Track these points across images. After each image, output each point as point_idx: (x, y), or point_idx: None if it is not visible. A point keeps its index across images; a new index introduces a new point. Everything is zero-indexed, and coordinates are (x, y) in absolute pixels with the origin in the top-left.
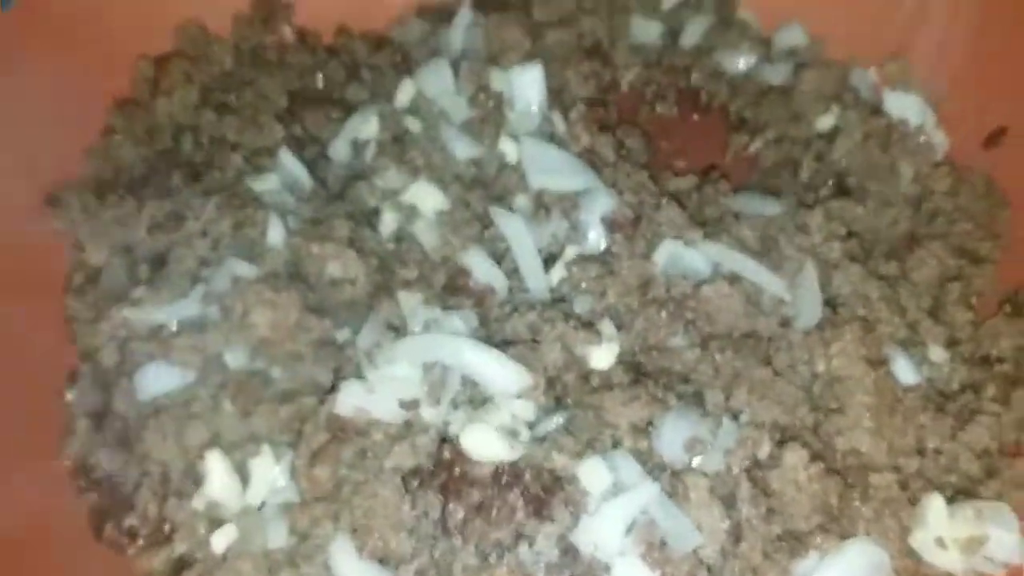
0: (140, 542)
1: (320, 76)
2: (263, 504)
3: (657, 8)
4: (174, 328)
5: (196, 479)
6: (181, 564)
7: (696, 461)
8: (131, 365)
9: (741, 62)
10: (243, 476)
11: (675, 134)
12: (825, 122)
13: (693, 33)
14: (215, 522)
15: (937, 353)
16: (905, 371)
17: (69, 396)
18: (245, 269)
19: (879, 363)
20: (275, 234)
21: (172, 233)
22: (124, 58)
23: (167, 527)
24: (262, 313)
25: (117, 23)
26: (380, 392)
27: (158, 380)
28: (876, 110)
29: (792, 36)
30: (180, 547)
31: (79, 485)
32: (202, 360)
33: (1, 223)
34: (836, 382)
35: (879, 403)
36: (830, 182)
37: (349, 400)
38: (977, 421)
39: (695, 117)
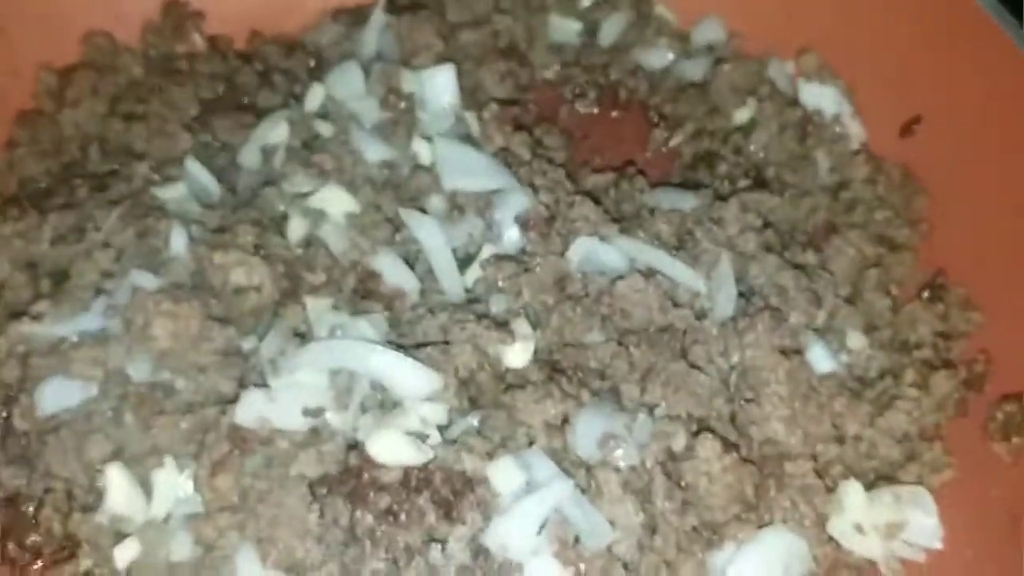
0: (43, 560)
1: (232, 83)
2: (168, 516)
3: (574, 6)
4: (75, 341)
5: (100, 494)
6: None
7: (611, 456)
8: (31, 381)
9: (659, 58)
10: (147, 489)
11: (595, 131)
12: (742, 115)
13: (611, 31)
14: (119, 536)
15: (856, 340)
16: (820, 359)
17: None
18: (147, 280)
19: (793, 352)
20: (178, 243)
21: (74, 245)
22: (28, 70)
23: (71, 543)
24: (162, 324)
25: (21, 35)
26: (282, 400)
27: (58, 395)
28: (792, 102)
29: (710, 31)
30: (85, 563)
31: None
32: (104, 373)
33: None
34: (750, 372)
35: (792, 391)
36: (749, 174)
37: (250, 409)
38: (896, 406)
39: (615, 114)
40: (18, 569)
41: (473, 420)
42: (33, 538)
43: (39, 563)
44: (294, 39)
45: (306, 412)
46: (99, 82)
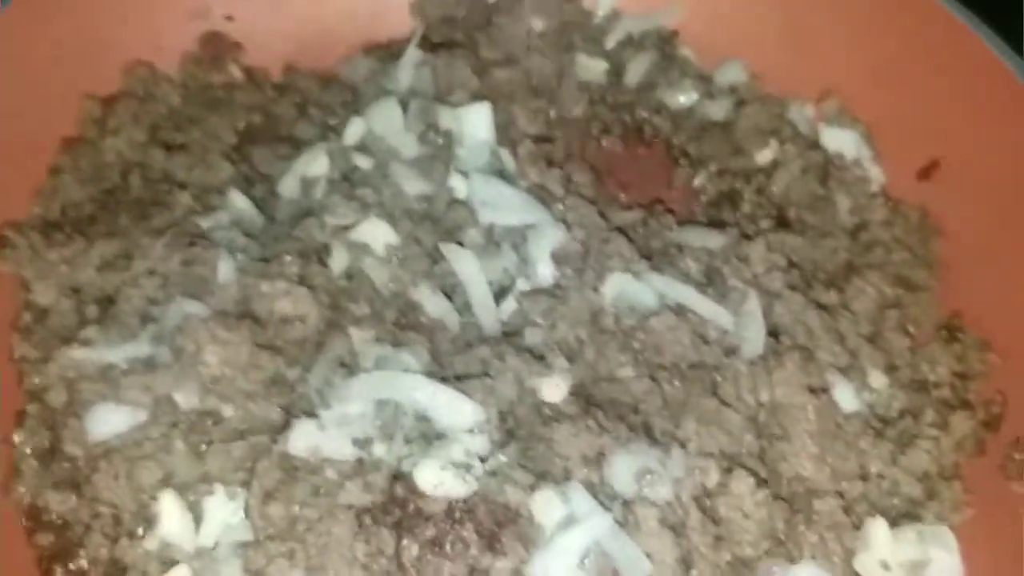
0: None
1: (268, 114)
2: (216, 544)
3: (601, 47)
4: (124, 368)
5: (148, 520)
6: None
7: (646, 491)
8: (80, 406)
9: (683, 98)
10: (196, 516)
11: (621, 168)
12: (765, 156)
13: (636, 71)
14: (167, 563)
15: (877, 379)
16: (846, 398)
17: (16, 437)
18: (196, 307)
19: (820, 390)
20: (225, 271)
21: (121, 272)
22: (71, 99)
23: (117, 569)
24: (214, 351)
25: (65, 64)
26: (332, 430)
27: (108, 421)
28: (814, 144)
29: (732, 73)
30: None
31: (28, 527)
32: (152, 400)
33: None
34: (779, 410)
35: (821, 429)
36: (771, 214)
37: (302, 438)
38: (917, 445)
39: (640, 151)
40: None
41: (512, 452)
42: (79, 562)
43: None
44: (328, 72)
45: (355, 442)
46: (140, 111)
